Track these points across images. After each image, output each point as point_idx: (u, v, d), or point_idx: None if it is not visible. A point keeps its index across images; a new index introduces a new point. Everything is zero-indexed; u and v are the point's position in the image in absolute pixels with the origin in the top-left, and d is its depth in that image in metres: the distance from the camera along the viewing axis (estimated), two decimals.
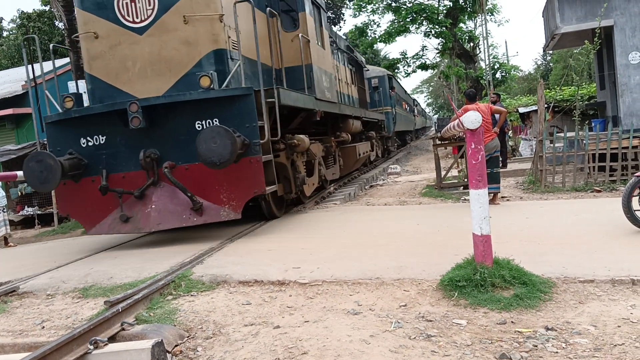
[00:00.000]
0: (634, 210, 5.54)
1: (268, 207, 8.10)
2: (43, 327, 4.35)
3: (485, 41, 24.40)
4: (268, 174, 6.96)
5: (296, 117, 8.75)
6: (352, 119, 12.63)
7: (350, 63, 15.47)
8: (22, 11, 32.82)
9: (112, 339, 3.68)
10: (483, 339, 3.34)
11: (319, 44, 10.21)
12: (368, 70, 19.93)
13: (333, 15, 34.89)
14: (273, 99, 7.00)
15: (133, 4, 7.05)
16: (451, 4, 27.31)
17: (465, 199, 8.84)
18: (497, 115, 9.23)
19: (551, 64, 51.93)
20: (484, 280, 4.01)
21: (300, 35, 9.05)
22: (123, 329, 3.80)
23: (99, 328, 3.67)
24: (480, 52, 28.43)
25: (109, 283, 5.25)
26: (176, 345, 3.64)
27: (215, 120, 6.84)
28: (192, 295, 4.62)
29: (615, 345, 3.14)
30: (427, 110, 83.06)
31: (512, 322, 3.58)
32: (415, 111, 43.06)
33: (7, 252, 9.20)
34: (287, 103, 7.46)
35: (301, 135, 8.47)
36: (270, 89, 7.07)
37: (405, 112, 32.10)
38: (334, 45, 12.96)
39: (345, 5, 30.44)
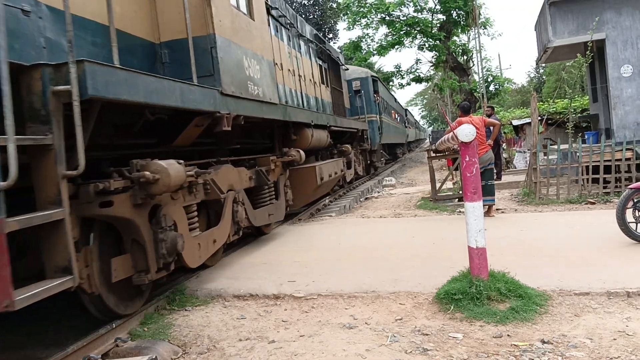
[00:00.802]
0: (628, 222, 5.56)
1: (98, 307, 4.13)
2: None
3: (478, 54, 24.61)
4: (57, 251, 3.21)
5: (188, 126, 5.01)
6: (311, 129, 9.13)
7: (320, 57, 12.17)
8: None
9: (106, 355, 3.65)
10: (479, 352, 3.33)
11: (241, 8, 6.44)
12: (348, 69, 16.88)
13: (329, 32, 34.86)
14: (67, 87, 3.15)
15: None
16: (445, 17, 27.59)
17: (460, 211, 8.85)
18: (491, 128, 9.27)
19: (544, 77, 52.33)
20: (479, 293, 4.01)
21: None
22: (117, 345, 3.77)
23: (93, 345, 3.63)
24: (473, 65, 28.68)
25: None
26: None
27: None
28: (186, 310, 4.59)
29: (611, 358, 3.13)
30: (421, 122, 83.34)
31: (508, 335, 3.57)
32: (407, 122, 39.75)
33: None
34: (120, 97, 3.55)
35: (160, 162, 4.15)
36: (62, 64, 3.19)
37: (395, 122, 28.71)
38: (289, 26, 9.61)
39: (340, 19, 30.58)
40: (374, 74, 20.88)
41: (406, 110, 43.51)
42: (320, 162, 9.56)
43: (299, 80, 9.82)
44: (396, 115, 29.98)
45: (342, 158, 11.71)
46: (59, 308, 4.65)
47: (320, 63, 12.18)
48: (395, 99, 32.77)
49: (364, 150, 16.37)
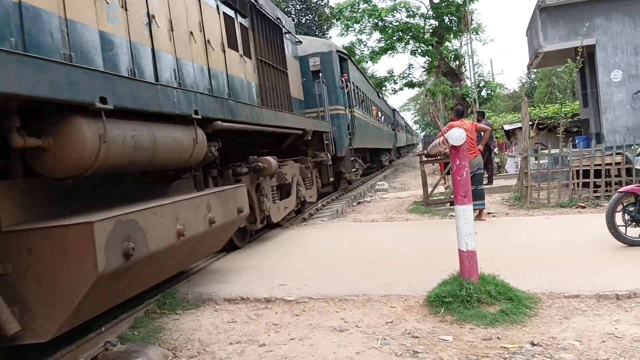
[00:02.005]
0: (618, 226, 5.60)
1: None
2: None
3: (470, 59, 24.74)
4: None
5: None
6: (98, 123, 3.41)
7: (230, 3, 7.33)
8: None
9: (95, 359, 3.62)
10: (469, 355, 3.33)
11: None
12: (301, 43, 11.89)
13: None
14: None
15: None
16: (437, 23, 27.74)
17: (451, 215, 8.87)
18: (482, 133, 9.32)
19: (535, 82, 52.69)
20: (469, 296, 4.02)
21: None
22: (106, 349, 3.74)
23: (82, 348, 3.61)
24: (465, 70, 28.82)
25: None
26: None
27: None
28: (177, 314, 4.58)
29: None
30: (414, 127, 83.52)
31: (497, 337, 3.58)
32: (396, 124, 35.22)
33: None
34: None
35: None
36: None
37: (377, 121, 23.41)
38: None
39: (333, 25, 30.67)
40: (342, 50, 15.28)
41: (394, 110, 37.86)
42: (126, 210, 3.55)
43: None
44: (379, 113, 24.99)
45: (243, 185, 5.97)
46: None
47: (230, 13, 7.31)
48: (378, 93, 27.17)
49: (320, 163, 10.81)
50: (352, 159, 14.26)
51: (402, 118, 51.42)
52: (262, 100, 8.07)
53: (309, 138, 9.36)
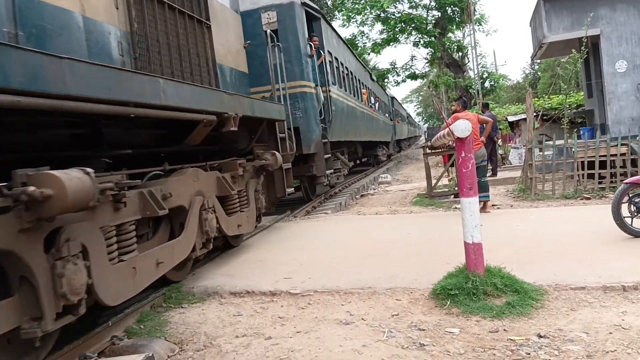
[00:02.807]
0: (624, 217, 5.58)
1: None
2: None
3: (473, 51, 24.63)
4: None
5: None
6: None
7: None
8: None
9: (102, 354, 3.63)
10: (476, 347, 3.33)
11: None
12: None
13: None
14: None
15: None
16: (439, 14, 27.61)
17: (456, 208, 8.86)
18: (484, 125, 9.28)
19: (539, 73, 52.46)
20: (475, 288, 4.01)
21: None
22: (113, 344, 3.76)
23: (88, 343, 3.62)
24: (468, 61, 28.72)
25: None
26: (167, 359, 3.60)
27: None
28: (182, 307, 4.58)
29: (607, 352, 3.13)
30: (417, 119, 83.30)
31: (504, 330, 3.57)
32: (394, 114, 31.07)
33: None
34: None
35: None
36: None
37: (369, 108, 19.18)
38: None
39: (335, 17, 30.53)
40: (312, 5, 11.14)
41: (393, 98, 32.49)
42: None
43: None
44: (373, 99, 21.10)
45: None
46: None
47: None
48: (371, 75, 22.94)
49: (263, 168, 6.91)
50: (327, 156, 10.61)
51: (403, 107, 45.16)
52: (138, 59, 4.60)
53: (233, 128, 5.34)
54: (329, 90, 11.36)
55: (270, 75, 8.14)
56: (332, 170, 11.08)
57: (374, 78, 23.98)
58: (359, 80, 17.47)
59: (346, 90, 14.19)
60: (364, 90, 18.34)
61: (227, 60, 6.64)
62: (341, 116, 12.70)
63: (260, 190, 6.93)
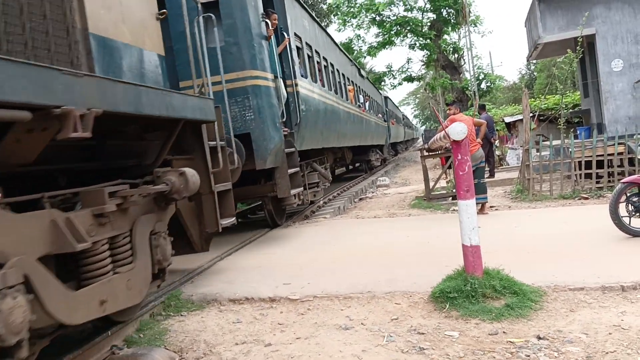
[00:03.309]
0: (621, 217, 5.58)
1: None
2: None
3: (469, 52, 24.68)
4: None
5: None
6: None
7: None
8: None
9: None
10: (475, 350, 3.33)
11: None
12: None
13: None
14: None
15: None
16: (435, 16, 27.69)
17: (454, 210, 8.87)
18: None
19: (535, 73, 52.56)
20: (474, 290, 4.01)
21: None
22: (113, 353, 3.74)
23: (88, 353, 3.61)
24: (464, 63, 28.76)
25: None
26: None
27: None
28: (182, 315, 4.58)
29: (607, 353, 3.14)
30: (414, 122, 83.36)
31: (503, 332, 3.57)
32: (388, 114, 27.75)
33: None
34: None
35: None
36: None
37: (357, 108, 16.29)
38: None
39: (331, 21, 30.59)
40: None
41: (387, 98, 29.25)
42: None
43: None
44: (362, 97, 18.34)
45: None
46: None
47: None
48: (360, 71, 19.12)
49: (165, 197, 4.14)
50: (293, 170, 7.99)
51: (398, 108, 41.10)
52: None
53: (79, 134, 2.81)
54: (296, 85, 8.52)
55: (200, 61, 5.36)
56: (301, 189, 8.33)
57: (364, 74, 20.25)
58: (344, 76, 14.46)
59: (324, 86, 11.27)
60: (350, 87, 15.46)
61: (119, 34, 4.10)
62: (315, 118, 9.79)
63: (164, 231, 4.27)
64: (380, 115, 23.60)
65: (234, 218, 5.54)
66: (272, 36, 7.82)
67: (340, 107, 12.91)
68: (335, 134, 12.02)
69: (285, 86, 8.22)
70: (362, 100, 18.18)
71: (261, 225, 9.24)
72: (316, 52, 11.08)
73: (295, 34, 9.14)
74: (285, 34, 8.44)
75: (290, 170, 7.85)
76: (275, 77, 7.82)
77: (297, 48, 9.43)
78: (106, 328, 4.00)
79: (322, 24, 13.75)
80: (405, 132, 41.39)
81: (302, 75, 9.15)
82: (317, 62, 11.15)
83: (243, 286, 5.14)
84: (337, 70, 13.65)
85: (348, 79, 15.48)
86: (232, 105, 6.89)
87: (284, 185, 7.75)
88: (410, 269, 5.19)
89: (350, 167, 23.44)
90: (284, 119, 8.11)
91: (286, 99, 8.22)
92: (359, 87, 18.15)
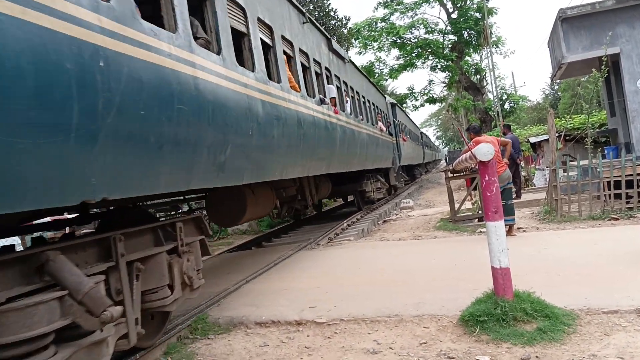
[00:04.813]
0: None
1: None
2: None
3: (491, 73, 24.61)
4: None
5: None
6: None
7: None
8: None
9: None
10: None
11: None
12: None
13: None
14: None
15: None
16: (456, 38, 27.75)
17: (481, 232, 8.76)
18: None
19: (559, 93, 52.11)
20: (505, 314, 3.94)
21: None
22: None
23: None
24: (487, 83, 28.69)
25: None
26: None
27: None
28: (209, 339, 4.58)
29: None
30: (436, 143, 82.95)
31: (536, 357, 3.49)
32: (398, 127, 20.36)
33: None
34: None
35: None
36: None
37: (329, 114, 9.22)
38: None
39: (352, 45, 30.83)
40: None
41: (394, 105, 21.49)
42: None
43: None
44: (345, 98, 11.50)
45: None
46: None
47: None
48: (331, 45, 10.88)
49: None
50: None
51: (411, 119, 31.84)
52: None
53: None
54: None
55: None
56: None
57: (344, 55, 12.34)
58: (307, 56, 8.69)
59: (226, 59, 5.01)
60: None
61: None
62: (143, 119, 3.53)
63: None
64: (378, 126, 15.59)
65: None
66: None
67: (285, 110, 6.69)
68: (278, 158, 6.48)
69: None
70: (350, 105, 11.86)
71: (285, 248, 9.24)
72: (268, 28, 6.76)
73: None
74: None
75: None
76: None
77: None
78: (132, 352, 4.01)
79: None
80: (425, 153, 35.01)
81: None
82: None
83: (269, 309, 5.13)
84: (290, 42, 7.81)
85: (316, 61, 9.26)
86: None
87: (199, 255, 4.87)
88: (437, 292, 5.12)
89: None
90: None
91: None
92: (348, 85, 12.06)
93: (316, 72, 9.13)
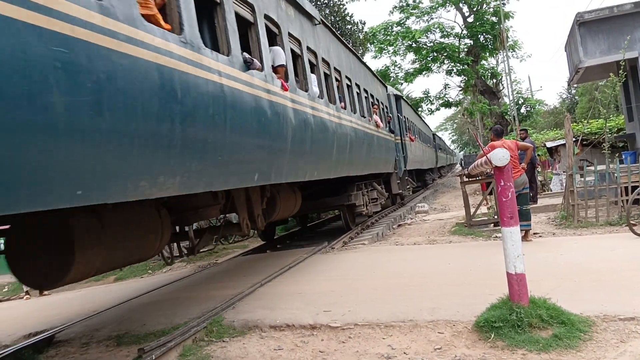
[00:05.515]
0: None
1: None
2: None
3: (508, 77, 24.46)
4: None
5: None
6: None
7: None
8: None
9: None
10: None
11: None
12: None
13: None
14: None
15: None
16: (472, 42, 27.64)
17: (496, 237, 8.71)
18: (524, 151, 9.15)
19: (576, 97, 51.58)
20: (520, 320, 3.92)
21: None
22: None
23: None
24: (503, 88, 28.51)
25: (142, 330, 5.28)
26: None
27: None
28: (224, 341, 4.61)
29: None
30: (452, 147, 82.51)
31: None
32: (402, 124, 16.91)
33: (41, 301, 9.33)
34: None
35: None
36: None
37: (308, 101, 7.18)
38: None
39: (367, 49, 30.85)
40: None
41: (399, 98, 18.03)
42: None
43: None
44: (331, 82, 9.12)
45: None
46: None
47: None
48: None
49: None
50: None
51: (421, 117, 28.02)
52: None
53: None
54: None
55: None
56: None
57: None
58: (275, 23, 6.63)
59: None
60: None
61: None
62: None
63: None
64: (373, 120, 12.25)
65: None
66: None
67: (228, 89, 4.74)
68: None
69: None
70: (338, 92, 9.56)
71: (300, 252, 9.27)
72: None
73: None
74: None
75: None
76: None
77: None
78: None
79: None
80: (438, 157, 31.56)
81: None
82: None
83: (283, 312, 5.15)
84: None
85: (289, 34, 7.11)
86: None
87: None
88: (452, 297, 5.11)
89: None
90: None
91: None
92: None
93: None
